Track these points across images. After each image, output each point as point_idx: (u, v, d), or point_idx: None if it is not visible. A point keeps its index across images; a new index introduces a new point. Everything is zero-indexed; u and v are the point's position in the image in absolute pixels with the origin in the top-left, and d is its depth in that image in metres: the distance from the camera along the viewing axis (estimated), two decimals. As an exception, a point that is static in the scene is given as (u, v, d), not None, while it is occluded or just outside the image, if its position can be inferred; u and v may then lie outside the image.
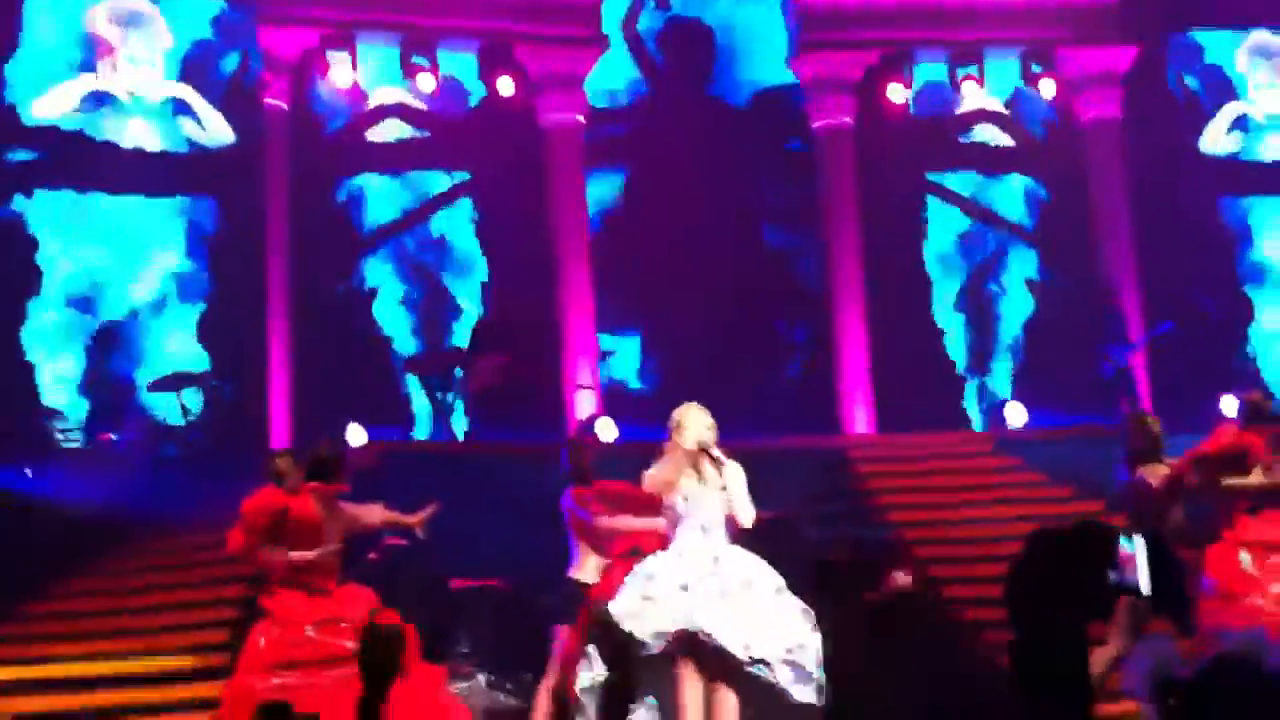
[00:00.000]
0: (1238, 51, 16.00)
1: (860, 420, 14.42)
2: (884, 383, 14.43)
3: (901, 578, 9.44)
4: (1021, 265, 15.58)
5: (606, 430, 12.63)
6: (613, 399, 13.98)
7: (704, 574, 5.97)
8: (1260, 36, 15.94)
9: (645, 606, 5.94)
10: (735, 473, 6.22)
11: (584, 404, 13.79)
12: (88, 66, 13.56)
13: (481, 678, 9.02)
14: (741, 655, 5.83)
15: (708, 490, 6.18)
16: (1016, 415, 13.75)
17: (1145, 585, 6.01)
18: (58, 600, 10.47)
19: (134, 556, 10.86)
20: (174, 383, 12.86)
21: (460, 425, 13.67)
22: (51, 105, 13.37)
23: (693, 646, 5.86)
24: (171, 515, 10.99)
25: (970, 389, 15.18)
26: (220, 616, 9.88)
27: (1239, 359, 15.22)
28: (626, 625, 5.90)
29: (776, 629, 5.92)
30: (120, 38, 13.61)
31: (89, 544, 10.75)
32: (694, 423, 6.27)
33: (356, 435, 11.95)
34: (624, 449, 12.20)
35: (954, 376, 15.09)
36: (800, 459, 11.88)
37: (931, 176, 15.57)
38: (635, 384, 14.81)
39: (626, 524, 7.53)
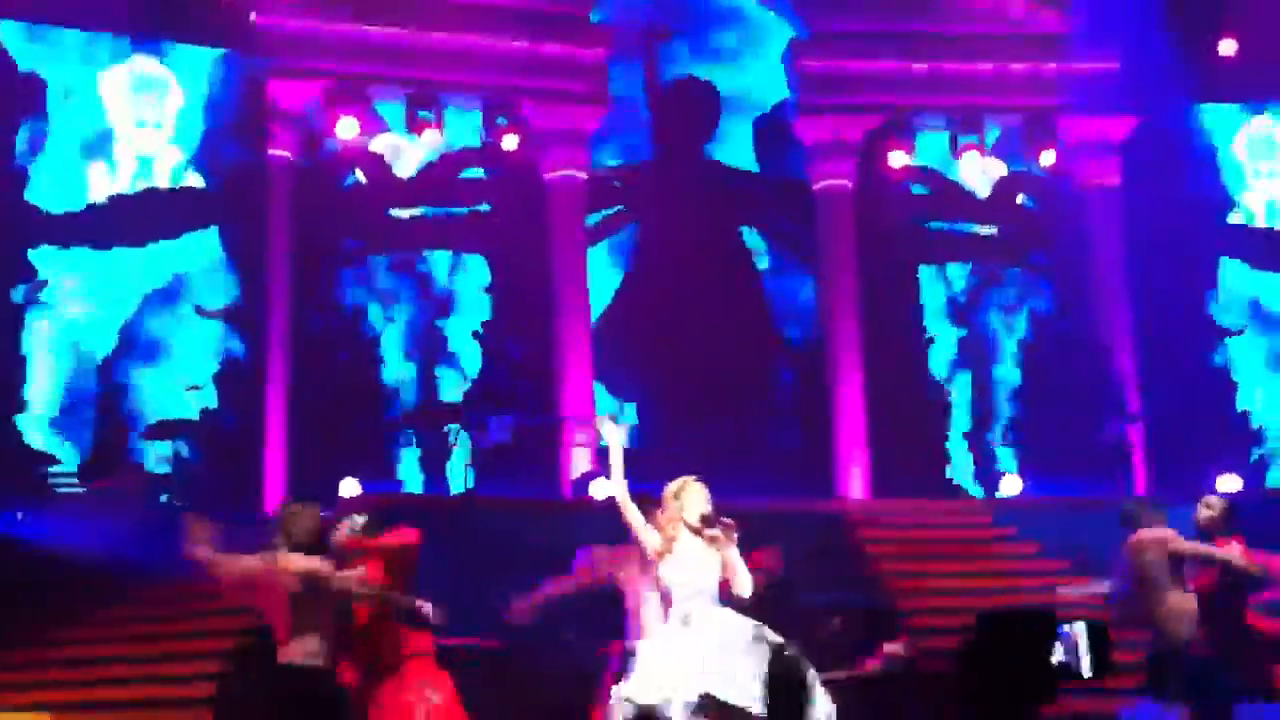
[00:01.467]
0: (1236, 140, 16.13)
1: (856, 485, 14.38)
2: (880, 448, 14.41)
3: (897, 648, 9.42)
4: (1020, 332, 15.61)
5: (601, 489, 12.58)
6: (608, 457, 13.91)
7: (715, 639, 5.96)
8: (1260, 124, 16.08)
9: (664, 679, 5.91)
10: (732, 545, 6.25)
11: (580, 461, 13.75)
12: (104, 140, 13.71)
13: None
14: (760, 711, 5.84)
15: (705, 559, 6.17)
16: (1011, 485, 13.71)
17: (1087, 668, 6.11)
18: (49, 648, 10.37)
19: (126, 606, 10.77)
20: (170, 431, 12.82)
21: (456, 479, 13.61)
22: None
23: (716, 710, 5.85)
24: (164, 565, 10.90)
25: (967, 456, 15.15)
26: (207, 670, 9.78)
27: (1236, 430, 15.22)
28: (648, 701, 5.86)
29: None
30: (131, 102, 13.72)
31: (81, 593, 10.66)
32: (694, 496, 6.26)
33: (350, 488, 11.89)
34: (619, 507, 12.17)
35: (951, 443, 15.07)
36: (796, 522, 11.81)
37: (931, 241, 15.64)
38: (632, 444, 14.75)
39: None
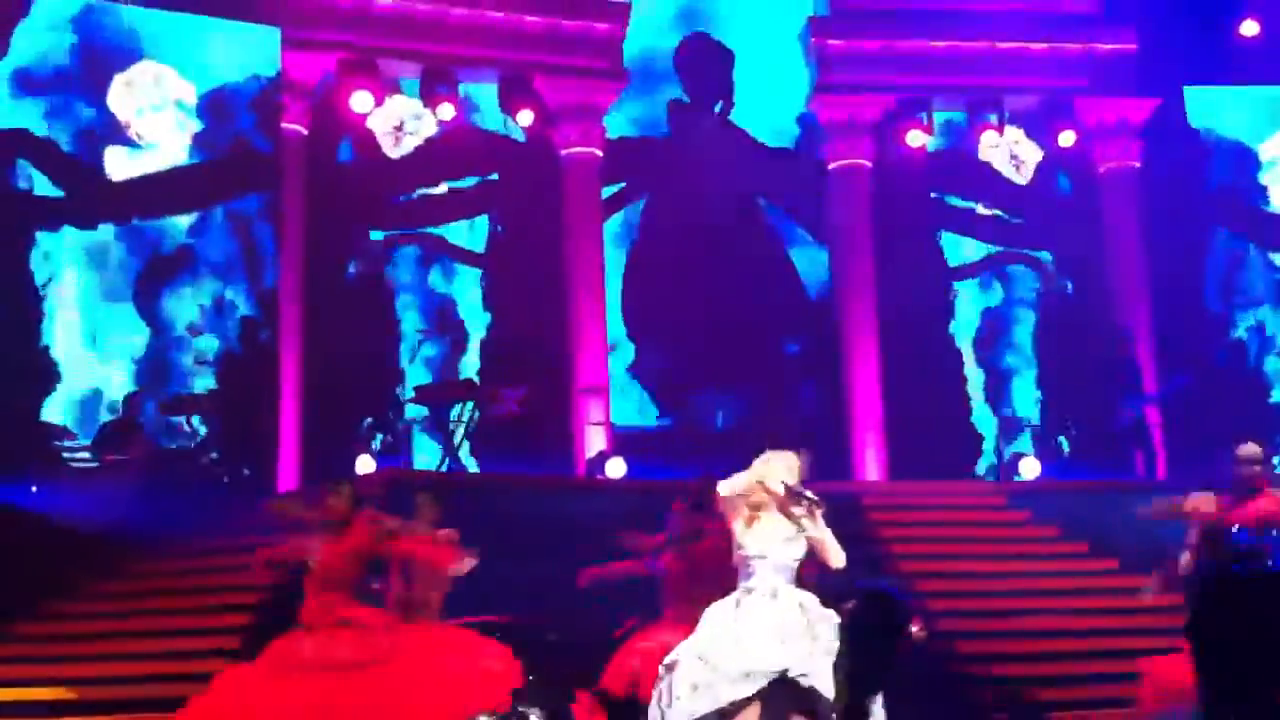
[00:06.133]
0: (1268, 142, 16.02)
1: (871, 467, 14.30)
2: (897, 430, 14.31)
3: (913, 630, 9.33)
4: (1037, 315, 15.49)
5: (616, 468, 12.53)
6: (622, 437, 13.89)
7: (795, 617, 5.85)
8: None
9: (735, 649, 5.81)
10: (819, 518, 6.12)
11: (594, 440, 13.68)
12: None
13: (484, 718, 8.84)
14: (829, 695, 5.75)
15: (788, 535, 6.04)
16: (1029, 468, 13.61)
17: None
18: (64, 621, 10.33)
19: (140, 580, 10.72)
20: (185, 406, 12.77)
21: (467, 456, 13.55)
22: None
23: (780, 687, 5.75)
24: (175, 539, 10.88)
25: (985, 439, 15.05)
26: (218, 645, 9.72)
27: (1257, 412, 15.13)
28: (719, 667, 5.76)
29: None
30: (135, 104, 13.70)
31: (89, 564, 10.62)
32: (779, 465, 6.14)
33: (364, 465, 11.85)
34: (632, 486, 12.14)
35: (968, 426, 14.97)
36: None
37: (947, 223, 15.52)
38: (646, 422, 14.73)
39: None
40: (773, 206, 15.69)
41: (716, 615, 5.95)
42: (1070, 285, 15.42)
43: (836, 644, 5.88)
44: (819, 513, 6.01)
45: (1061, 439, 14.68)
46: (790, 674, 5.75)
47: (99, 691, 9.34)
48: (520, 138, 14.57)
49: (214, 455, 12.59)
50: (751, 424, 14.17)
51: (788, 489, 6.00)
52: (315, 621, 7.23)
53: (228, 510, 11.49)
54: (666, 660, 5.98)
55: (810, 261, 15.65)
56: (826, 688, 5.75)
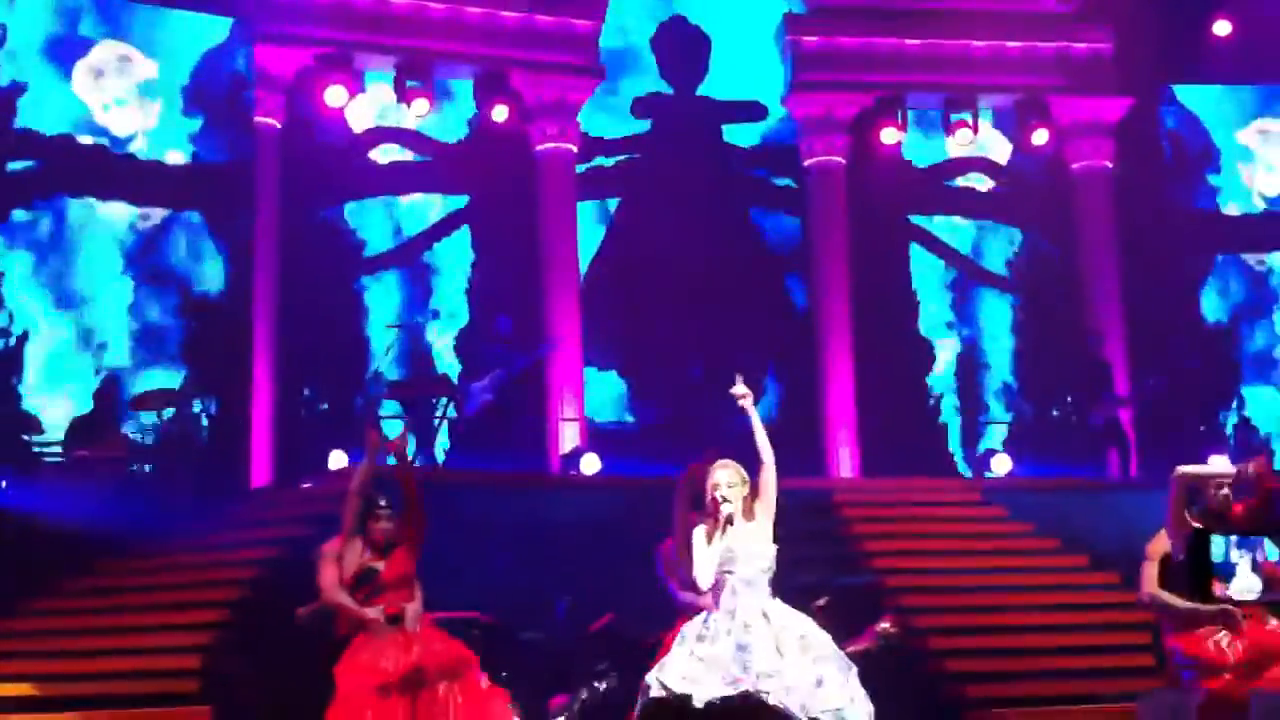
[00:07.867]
0: (1244, 131, 16.11)
1: (844, 463, 14.33)
2: (869, 426, 14.36)
3: (885, 626, 9.38)
4: (1010, 313, 15.58)
5: (590, 464, 12.53)
6: (597, 433, 13.90)
7: (759, 633, 5.82)
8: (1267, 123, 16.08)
9: (700, 669, 5.79)
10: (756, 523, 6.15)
11: (568, 437, 13.68)
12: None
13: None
14: (800, 715, 5.70)
15: (744, 546, 6.02)
16: (1001, 464, 13.70)
17: None
18: (31, 618, 10.27)
19: (111, 576, 10.67)
20: (155, 400, 12.69)
21: (442, 452, 13.52)
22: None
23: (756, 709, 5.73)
24: (147, 535, 10.83)
25: (956, 436, 15.13)
26: (192, 642, 9.70)
27: (1227, 413, 15.26)
28: (681, 689, 5.73)
29: (831, 686, 5.79)
30: (101, 89, 13.60)
31: (65, 562, 10.55)
32: (714, 477, 6.16)
33: (337, 460, 11.82)
34: (607, 483, 12.15)
35: (940, 423, 15.04)
36: (784, 500, 11.74)
37: (920, 220, 15.58)
38: (621, 418, 14.74)
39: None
40: (747, 206, 15.70)
41: (686, 636, 5.95)
42: (1043, 282, 15.51)
43: (813, 631, 5.91)
44: (724, 512, 6.04)
45: (1051, 413, 14.75)
46: (751, 693, 5.73)
47: (71, 688, 9.31)
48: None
49: (188, 450, 12.52)
50: (724, 419, 14.16)
51: (709, 502, 6.06)
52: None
53: (202, 506, 11.46)
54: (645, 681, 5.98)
55: (786, 258, 15.68)
56: (792, 704, 5.72)
